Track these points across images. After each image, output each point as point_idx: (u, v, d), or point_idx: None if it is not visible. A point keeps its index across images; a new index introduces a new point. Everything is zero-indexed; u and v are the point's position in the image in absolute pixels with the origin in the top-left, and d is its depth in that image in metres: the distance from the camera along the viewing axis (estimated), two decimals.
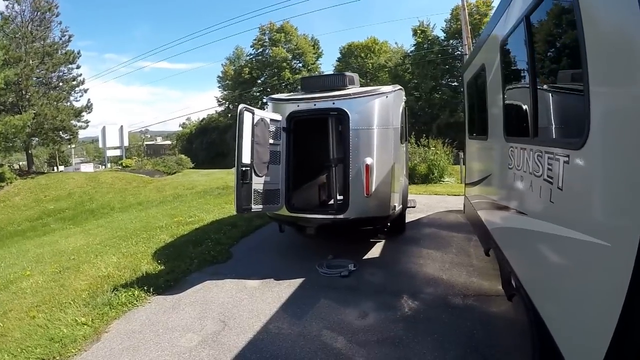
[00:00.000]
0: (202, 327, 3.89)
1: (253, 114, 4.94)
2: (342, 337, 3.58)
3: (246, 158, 4.81)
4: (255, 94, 43.59)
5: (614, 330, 1.53)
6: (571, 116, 2.43)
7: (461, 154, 16.88)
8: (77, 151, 46.85)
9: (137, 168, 21.86)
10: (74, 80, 26.20)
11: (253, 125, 4.91)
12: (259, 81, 44.21)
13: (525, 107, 3.01)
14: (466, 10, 15.42)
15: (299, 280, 4.93)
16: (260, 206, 5.16)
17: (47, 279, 5.76)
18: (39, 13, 24.56)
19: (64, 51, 25.65)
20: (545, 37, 2.67)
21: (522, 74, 3.23)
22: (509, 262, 3.37)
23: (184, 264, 5.68)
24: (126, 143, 26.30)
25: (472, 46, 13.34)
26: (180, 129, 58.48)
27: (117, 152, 25.64)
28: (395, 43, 44.55)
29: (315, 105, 5.58)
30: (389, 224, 5.94)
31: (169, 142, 60.59)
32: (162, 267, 5.61)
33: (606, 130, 1.77)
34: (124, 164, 23.03)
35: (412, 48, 40.33)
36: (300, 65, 43.90)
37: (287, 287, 4.74)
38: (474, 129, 5.47)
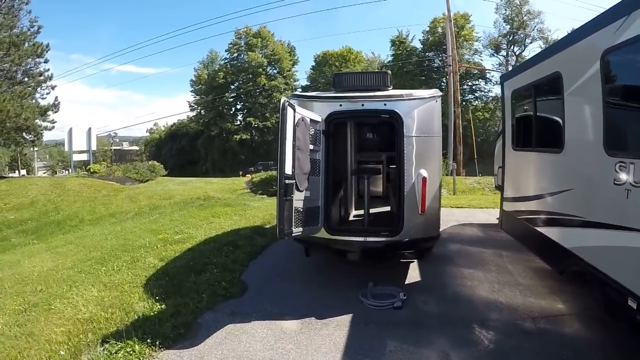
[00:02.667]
0: None
1: (295, 110, 4.04)
2: None
3: (289, 167, 3.90)
4: (228, 99, 42.04)
5: None
6: None
7: (452, 164, 16.95)
8: (40, 154, 42.80)
9: (106, 175, 19.78)
10: (40, 76, 22.89)
11: (294, 126, 4.01)
12: (233, 87, 42.67)
13: None
14: (452, 22, 15.53)
15: (346, 317, 4.09)
16: (301, 229, 4.25)
17: (9, 321, 4.37)
18: None
19: (32, 43, 22.41)
20: None
21: None
22: (620, 284, 2.98)
23: (190, 300, 4.55)
24: (94, 147, 24.09)
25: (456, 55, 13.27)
26: (148, 134, 55.70)
27: (84, 157, 23.27)
28: (372, 53, 45.38)
29: (363, 105, 4.79)
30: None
31: (136, 147, 57.47)
32: (162, 306, 4.44)
33: None
34: (91, 170, 20.75)
35: (390, 58, 41.17)
36: (276, 71, 42.94)
37: (337, 328, 3.88)
38: (529, 140, 4.98)
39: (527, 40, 40.46)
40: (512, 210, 5.50)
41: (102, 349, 3.53)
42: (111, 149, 43.81)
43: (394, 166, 7.20)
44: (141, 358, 3.44)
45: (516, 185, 5.41)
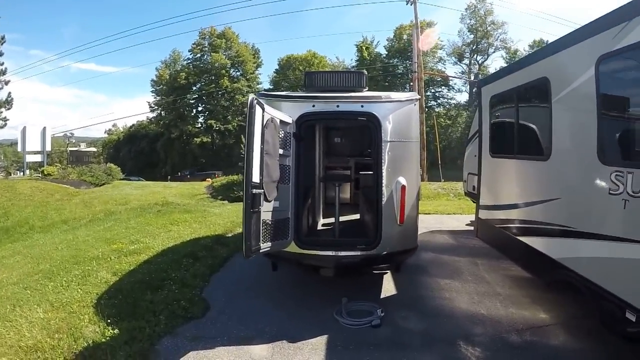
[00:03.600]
0: None
1: (264, 110, 3.58)
2: None
3: (257, 175, 3.43)
4: (190, 101, 40.27)
5: None
6: None
7: None
8: None
9: (60, 177, 18.04)
10: None
11: (263, 127, 3.55)
12: (195, 88, 41.00)
13: None
14: (419, 29, 15.77)
15: (321, 339, 3.70)
16: (269, 244, 3.77)
17: None
18: None
19: None
20: None
21: None
22: (618, 296, 2.89)
23: (146, 323, 3.99)
24: (49, 148, 22.01)
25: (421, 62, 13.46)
26: (106, 135, 52.56)
27: (38, 158, 21.28)
28: (337, 58, 45.63)
29: (338, 106, 4.39)
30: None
31: (93, 149, 54.09)
32: (114, 331, 3.88)
33: None
34: (45, 172, 18.81)
35: (355, 63, 41.44)
36: (239, 73, 41.85)
37: (312, 353, 3.48)
38: (509, 146, 4.85)
39: (490, 49, 42.44)
40: (490, 218, 5.39)
41: None
42: (67, 150, 40.65)
43: (365, 172, 6.90)
44: None
45: (494, 193, 5.31)
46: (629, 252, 2.77)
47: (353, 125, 7.08)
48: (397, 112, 4.42)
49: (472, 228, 8.48)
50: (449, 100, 42.90)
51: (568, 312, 4.12)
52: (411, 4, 17.81)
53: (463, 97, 44.24)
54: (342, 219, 5.62)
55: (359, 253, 4.34)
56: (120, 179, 20.42)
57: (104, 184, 17.98)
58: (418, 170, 4.85)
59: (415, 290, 5.00)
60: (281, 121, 4.02)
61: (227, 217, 10.70)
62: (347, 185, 7.93)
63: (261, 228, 3.58)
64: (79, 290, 5.09)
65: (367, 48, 40.19)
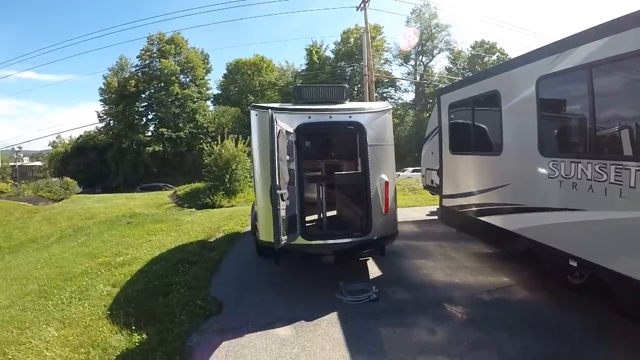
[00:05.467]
0: None
1: (276, 122, 4.19)
2: (441, 357, 3.45)
3: (279, 178, 4.04)
4: (139, 109, 38.25)
5: None
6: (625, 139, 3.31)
7: None
8: None
9: (14, 194, 16.63)
10: None
11: (277, 137, 4.16)
12: (144, 95, 39.03)
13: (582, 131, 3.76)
14: (369, 34, 16.85)
15: (333, 315, 4.36)
16: (286, 237, 4.38)
17: None
18: None
19: None
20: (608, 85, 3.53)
21: (571, 108, 4.11)
22: (562, 251, 3.95)
23: (170, 325, 4.28)
24: None
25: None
26: (51, 148, 48.23)
27: None
28: (286, 62, 45.79)
29: (331, 117, 5.10)
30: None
31: (39, 163, 49.11)
32: (142, 336, 4.08)
33: None
34: None
35: (304, 67, 41.95)
36: (189, 79, 40.72)
37: (329, 326, 4.12)
38: (467, 145, 5.94)
39: (434, 51, 44.77)
40: (453, 205, 6.40)
41: None
42: (16, 166, 36.70)
43: (340, 172, 7.64)
44: None
45: (456, 183, 6.33)
46: (565, 217, 3.83)
47: (326, 132, 7.74)
48: (376, 121, 5.25)
49: (433, 217, 9.63)
50: (397, 101, 44.85)
51: (524, 275, 5.21)
52: (361, 10, 18.94)
53: (409, 97, 46.58)
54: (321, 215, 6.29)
55: (355, 239, 5.10)
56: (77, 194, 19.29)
57: (62, 198, 17.06)
58: (394, 168, 5.70)
59: (397, 270, 5.81)
60: (286, 131, 4.62)
61: (201, 224, 10.90)
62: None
63: (281, 224, 4.17)
64: (85, 304, 5.15)
65: (316, 52, 41.03)
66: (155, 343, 3.91)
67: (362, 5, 18.83)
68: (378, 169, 5.16)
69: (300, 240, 4.89)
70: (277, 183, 3.97)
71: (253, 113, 5.26)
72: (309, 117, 5.06)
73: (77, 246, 9.48)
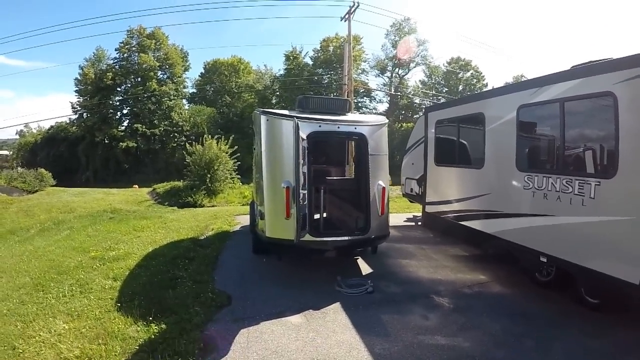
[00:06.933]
0: None
1: (300, 130, 4.73)
2: (438, 336, 4.09)
3: (302, 180, 4.61)
4: (115, 103, 36.85)
5: None
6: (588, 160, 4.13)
7: None
8: None
9: None
10: None
11: (300, 143, 4.71)
12: (119, 89, 37.66)
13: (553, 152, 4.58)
14: (351, 45, 17.59)
15: (337, 305, 4.87)
16: (302, 232, 4.89)
17: None
18: None
19: None
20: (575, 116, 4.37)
21: (544, 132, 4.99)
22: (534, 249, 4.79)
23: (186, 315, 4.49)
24: None
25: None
26: (17, 137, 45.20)
27: None
28: (265, 65, 45.72)
29: (339, 128, 5.64)
30: None
31: (5, 152, 45.83)
32: (160, 326, 4.22)
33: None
34: None
35: (283, 72, 42.18)
36: (166, 76, 39.79)
37: (336, 314, 4.63)
38: (452, 158, 6.76)
39: (411, 64, 45.75)
40: (435, 211, 7.14)
41: None
42: None
43: (340, 178, 8.18)
44: None
45: (439, 192, 7.09)
46: (537, 221, 4.67)
47: (329, 141, 8.25)
48: (376, 133, 5.86)
49: (411, 223, 10.38)
50: (372, 110, 45.91)
51: (498, 274, 5.98)
52: (345, 21, 19.72)
53: (383, 107, 47.91)
54: (317, 216, 6.81)
55: (355, 238, 5.68)
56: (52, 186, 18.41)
57: (37, 190, 16.36)
58: (387, 176, 6.33)
59: (386, 268, 6.43)
60: (302, 138, 5.10)
61: (187, 222, 11.04)
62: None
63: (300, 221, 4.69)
64: (88, 297, 5.22)
65: (295, 58, 41.44)
66: (176, 332, 4.09)
67: (346, 17, 19.64)
68: (376, 175, 5.76)
69: (308, 237, 5.36)
70: (300, 183, 4.45)
71: (264, 118, 5.65)
72: (319, 126, 5.56)
73: (62, 239, 9.34)
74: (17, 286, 6.15)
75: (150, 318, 4.40)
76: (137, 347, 3.85)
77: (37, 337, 4.13)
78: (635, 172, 3.55)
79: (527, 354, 3.77)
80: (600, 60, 3.97)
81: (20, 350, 3.89)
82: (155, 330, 4.18)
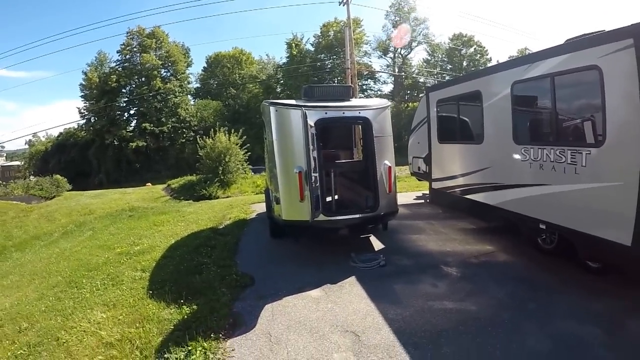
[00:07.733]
0: (338, 346, 3.65)
1: (308, 118, 5.06)
2: (446, 302, 4.41)
3: (313, 164, 5.01)
4: (121, 104, 37.51)
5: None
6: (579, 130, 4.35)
7: None
8: None
9: (4, 194, 16.49)
10: None
11: (309, 130, 5.04)
12: (125, 90, 38.25)
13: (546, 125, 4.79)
14: (351, 29, 17.59)
15: (352, 279, 5.24)
16: (316, 212, 5.31)
17: None
18: None
19: None
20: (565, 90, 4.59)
21: (538, 106, 5.18)
22: (534, 217, 5.07)
23: (214, 296, 4.88)
24: None
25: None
26: (27, 146, 47.27)
27: None
28: (267, 55, 45.75)
29: (344, 113, 5.94)
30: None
31: (17, 162, 47.60)
32: (191, 307, 4.59)
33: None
34: None
35: (285, 60, 42.17)
36: (170, 74, 40.14)
37: (352, 286, 5.01)
38: (454, 135, 7.00)
39: (413, 43, 45.44)
40: (441, 187, 7.42)
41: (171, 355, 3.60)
42: None
43: (349, 160, 8.47)
44: (214, 352, 3.66)
45: (443, 168, 7.36)
46: (535, 191, 4.93)
47: (336, 126, 8.53)
48: (379, 116, 6.13)
49: (420, 201, 10.67)
50: (376, 92, 45.77)
51: (503, 244, 6.28)
52: (344, 5, 19.64)
53: (388, 89, 47.60)
54: (328, 198, 7.13)
55: (365, 215, 6.02)
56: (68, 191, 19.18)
57: (54, 196, 17.08)
58: (393, 155, 6.61)
59: (397, 243, 6.77)
60: (309, 125, 5.42)
61: (205, 214, 11.45)
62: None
63: (314, 202, 5.07)
64: (121, 289, 5.63)
65: (297, 45, 41.33)
66: (207, 311, 4.44)
67: (345, 0, 19.55)
68: (382, 156, 6.06)
69: (321, 217, 5.71)
70: (312, 168, 4.81)
71: (272, 109, 5.97)
72: (325, 113, 5.86)
73: (86, 240, 9.82)
74: (51, 285, 6.63)
75: (182, 301, 4.76)
76: (172, 327, 4.19)
77: (77, 327, 4.52)
78: (621, 141, 3.77)
79: (531, 314, 4.04)
80: (588, 34, 4.16)
81: (64, 340, 4.28)
82: (187, 311, 4.53)
